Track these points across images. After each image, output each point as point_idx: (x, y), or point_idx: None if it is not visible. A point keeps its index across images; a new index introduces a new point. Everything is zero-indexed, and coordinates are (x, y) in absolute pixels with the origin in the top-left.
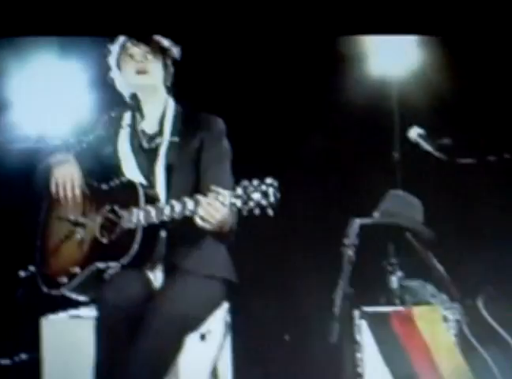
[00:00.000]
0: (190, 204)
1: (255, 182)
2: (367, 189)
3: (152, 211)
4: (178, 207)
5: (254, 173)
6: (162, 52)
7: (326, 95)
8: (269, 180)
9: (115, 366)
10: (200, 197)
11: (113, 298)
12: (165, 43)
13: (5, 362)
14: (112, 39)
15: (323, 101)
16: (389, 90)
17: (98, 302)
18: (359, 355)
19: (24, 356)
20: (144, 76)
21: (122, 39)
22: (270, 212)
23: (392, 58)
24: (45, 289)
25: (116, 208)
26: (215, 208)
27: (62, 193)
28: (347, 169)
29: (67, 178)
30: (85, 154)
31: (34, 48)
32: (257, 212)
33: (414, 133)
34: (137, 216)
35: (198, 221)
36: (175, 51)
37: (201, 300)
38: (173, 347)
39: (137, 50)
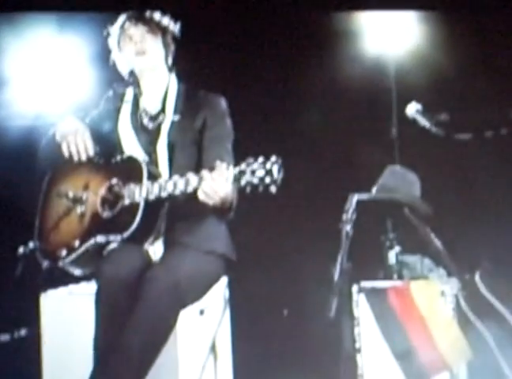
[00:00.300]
0: (193, 180)
1: (260, 159)
2: (366, 165)
3: (155, 186)
4: (181, 183)
5: (253, 150)
6: (161, 30)
7: (324, 72)
8: (273, 158)
9: (114, 338)
10: (204, 173)
11: (112, 271)
12: (164, 20)
13: (5, 337)
14: (111, 16)
15: (321, 78)
16: (387, 66)
17: (97, 275)
18: (357, 330)
19: (23, 332)
20: (144, 57)
21: (121, 19)
22: (273, 189)
23: (389, 34)
24: (43, 262)
25: (118, 182)
26: (219, 183)
27: (75, 155)
28: (345, 145)
29: (79, 140)
30: (93, 128)
31: (32, 24)
32: (260, 189)
33: (412, 108)
34: (139, 192)
35: (201, 196)
36: (175, 28)
37: (199, 274)
38: (170, 318)
39: (135, 31)
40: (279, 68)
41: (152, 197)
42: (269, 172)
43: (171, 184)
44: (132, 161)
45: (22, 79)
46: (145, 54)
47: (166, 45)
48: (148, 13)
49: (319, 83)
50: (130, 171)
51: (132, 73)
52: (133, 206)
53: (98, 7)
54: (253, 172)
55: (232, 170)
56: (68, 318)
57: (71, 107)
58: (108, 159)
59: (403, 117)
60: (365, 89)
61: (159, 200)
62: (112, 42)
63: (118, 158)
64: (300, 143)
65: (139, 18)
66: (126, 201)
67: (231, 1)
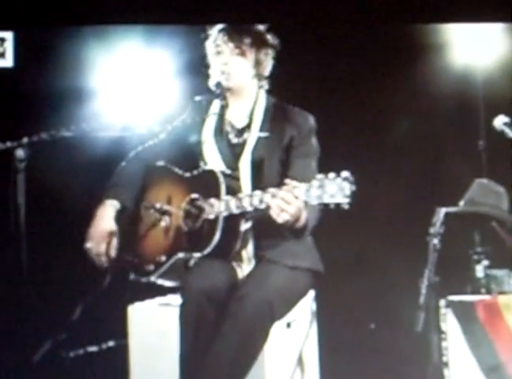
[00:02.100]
0: (267, 197)
1: (331, 176)
2: (453, 178)
3: (232, 202)
4: (256, 199)
5: (337, 164)
6: (256, 48)
7: (410, 85)
8: (344, 173)
9: (200, 353)
10: (275, 190)
11: (197, 285)
12: (263, 38)
13: (93, 348)
14: (198, 28)
15: (407, 90)
16: (474, 78)
17: (182, 288)
18: (444, 344)
19: (111, 343)
20: (228, 78)
21: (219, 26)
22: (345, 206)
23: (477, 46)
24: (133, 276)
25: (199, 197)
26: (288, 201)
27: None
28: (432, 158)
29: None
30: (170, 141)
31: (120, 37)
32: (332, 205)
33: (499, 121)
34: (218, 207)
35: (272, 214)
36: (275, 44)
37: (288, 290)
38: (262, 335)
39: (225, 48)
40: (363, 81)
41: (230, 211)
42: (340, 188)
43: (247, 200)
44: (211, 175)
45: (110, 91)
46: (230, 75)
47: (259, 62)
48: (244, 28)
49: (406, 95)
50: (210, 185)
51: (219, 85)
52: (213, 222)
53: (186, 20)
54: (324, 189)
55: (303, 187)
56: (155, 330)
57: (158, 119)
58: (191, 171)
59: (491, 129)
60: (452, 102)
61: (238, 215)
62: (209, 45)
63: (200, 170)
64: (388, 156)
65: (231, 35)
66: (207, 216)
67: (319, 15)
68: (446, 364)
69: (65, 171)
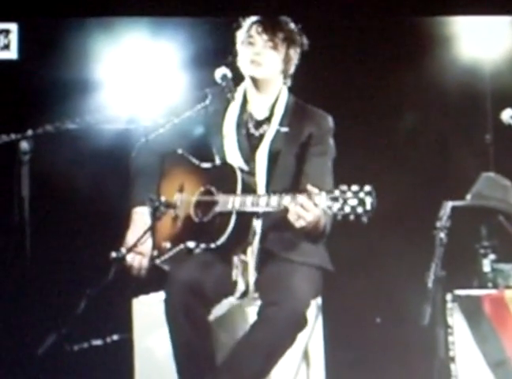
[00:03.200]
0: (286, 199)
1: (354, 188)
2: (460, 171)
3: (249, 199)
4: (274, 201)
5: (344, 159)
6: (287, 44)
7: (418, 78)
8: (367, 188)
9: (194, 348)
10: (297, 195)
11: (181, 277)
12: (296, 36)
13: (97, 342)
14: (206, 20)
15: (415, 84)
16: (482, 72)
17: (167, 281)
18: (451, 339)
19: (115, 337)
20: (258, 68)
21: (254, 18)
22: (365, 219)
23: (484, 39)
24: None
25: (213, 189)
26: (307, 208)
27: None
28: (439, 152)
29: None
30: (188, 130)
31: (126, 29)
32: (351, 217)
33: (507, 114)
34: (232, 202)
35: (290, 218)
36: (305, 45)
37: (311, 293)
38: (289, 343)
39: (259, 40)
40: (372, 74)
41: (244, 209)
42: (361, 202)
43: (264, 200)
44: (229, 169)
45: (115, 83)
46: (261, 66)
47: (287, 57)
48: (279, 22)
49: (412, 90)
50: (226, 179)
51: (225, 77)
52: (226, 216)
53: (191, 12)
54: (345, 201)
55: (324, 196)
56: (160, 324)
57: (164, 111)
58: (207, 162)
59: (498, 123)
60: (459, 95)
61: (251, 213)
62: (240, 35)
63: (217, 163)
64: (395, 150)
65: (266, 27)
66: (219, 210)
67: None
68: (452, 358)
69: (69, 164)
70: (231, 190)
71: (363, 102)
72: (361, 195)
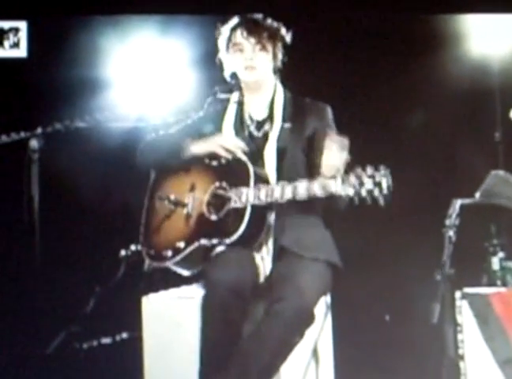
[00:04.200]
0: (301, 187)
1: (369, 171)
2: (469, 169)
3: (262, 191)
4: (288, 190)
5: (353, 155)
6: (272, 42)
7: (427, 75)
8: (382, 170)
9: (226, 347)
10: (312, 181)
11: (221, 276)
12: (277, 32)
13: (107, 340)
14: (213, 18)
15: (424, 81)
16: (491, 69)
17: (205, 280)
18: (460, 337)
19: (124, 335)
20: (252, 72)
21: (232, 23)
22: (382, 201)
23: (494, 37)
24: (149, 262)
25: (225, 185)
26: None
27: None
28: (448, 149)
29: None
30: (189, 134)
31: (135, 27)
32: (369, 201)
33: None
34: (246, 196)
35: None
36: (287, 38)
37: (321, 289)
38: (298, 338)
39: (247, 45)
40: (381, 72)
41: (259, 201)
42: (378, 184)
43: (278, 190)
44: (240, 163)
45: (125, 81)
46: (255, 70)
47: (275, 55)
48: (259, 22)
49: (422, 87)
50: (238, 174)
51: (234, 76)
52: (240, 211)
53: (201, 10)
54: (361, 184)
55: (340, 181)
56: (170, 322)
57: (173, 109)
58: (217, 159)
59: (507, 121)
60: (468, 93)
61: (265, 206)
62: (221, 42)
63: (228, 159)
64: (403, 148)
65: (251, 30)
66: (232, 205)
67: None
68: (461, 356)
69: (79, 162)
70: (244, 184)
71: (372, 99)
72: (377, 177)
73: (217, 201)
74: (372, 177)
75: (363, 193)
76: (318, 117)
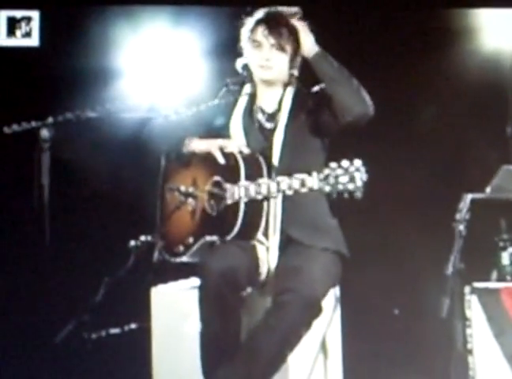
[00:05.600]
0: (309, 180)
1: (344, 164)
2: (480, 164)
3: (252, 188)
4: (296, 183)
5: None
6: (292, 41)
7: (440, 70)
8: (356, 162)
9: (224, 336)
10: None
11: (214, 267)
12: (298, 32)
13: (115, 331)
14: (225, 10)
15: (436, 75)
16: (504, 64)
17: (200, 271)
18: (469, 331)
19: (133, 325)
20: (267, 71)
21: (256, 17)
22: (358, 195)
23: (507, 32)
24: (165, 256)
25: (221, 180)
26: None
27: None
28: (460, 144)
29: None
30: (199, 123)
31: (148, 17)
32: (345, 195)
33: None
34: (238, 192)
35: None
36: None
37: (329, 280)
38: (305, 329)
39: (266, 43)
40: (394, 66)
41: (251, 196)
42: (352, 179)
43: (265, 187)
44: (231, 157)
45: (136, 71)
46: (270, 69)
47: (293, 56)
48: (282, 19)
49: (434, 81)
50: (230, 168)
51: (246, 67)
52: (235, 206)
53: (213, 1)
54: (336, 178)
55: (316, 177)
56: (178, 313)
57: (185, 100)
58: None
59: None
60: (481, 88)
61: (262, 200)
62: (244, 32)
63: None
64: (415, 141)
65: (272, 29)
66: (227, 200)
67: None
68: (470, 351)
69: (89, 152)
70: (236, 179)
71: (384, 93)
72: (351, 170)
73: (216, 196)
74: (346, 170)
75: (340, 187)
76: (326, 110)
